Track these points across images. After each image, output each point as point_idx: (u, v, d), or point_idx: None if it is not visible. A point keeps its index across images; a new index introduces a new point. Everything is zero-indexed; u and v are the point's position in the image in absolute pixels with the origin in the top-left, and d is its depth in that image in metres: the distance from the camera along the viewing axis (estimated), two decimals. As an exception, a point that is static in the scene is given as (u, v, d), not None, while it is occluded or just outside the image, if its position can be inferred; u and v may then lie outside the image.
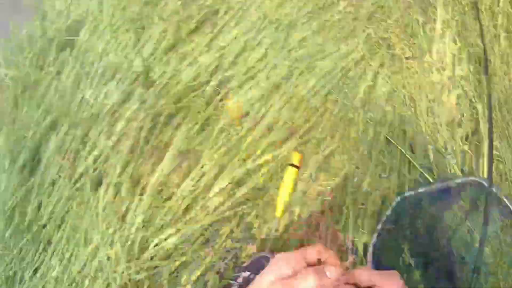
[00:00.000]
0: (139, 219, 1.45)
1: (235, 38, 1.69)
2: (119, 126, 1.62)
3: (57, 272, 1.56)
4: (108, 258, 1.42)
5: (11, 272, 1.76)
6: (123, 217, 1.48)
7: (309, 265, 0.50)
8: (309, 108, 1.55)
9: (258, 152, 1.45)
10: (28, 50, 2.02)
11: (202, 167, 1.46)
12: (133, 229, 1.43)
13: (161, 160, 1.52)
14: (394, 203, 1.24)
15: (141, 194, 1.49)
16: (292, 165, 1.41)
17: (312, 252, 0.51)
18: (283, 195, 1.37)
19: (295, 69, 1.66)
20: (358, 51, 1.70)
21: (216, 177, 1.44)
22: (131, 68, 1.67)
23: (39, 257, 1.67)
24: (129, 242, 1.40)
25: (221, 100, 1.59)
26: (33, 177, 1.70)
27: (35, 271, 1.68)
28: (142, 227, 1.43)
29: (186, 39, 1.73)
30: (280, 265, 0.49)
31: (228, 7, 1.78)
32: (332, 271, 0.48)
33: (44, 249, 1.65)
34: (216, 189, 1.42)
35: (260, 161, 1.44)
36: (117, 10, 1.92)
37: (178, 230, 1.36)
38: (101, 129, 1.66)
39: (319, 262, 0.51)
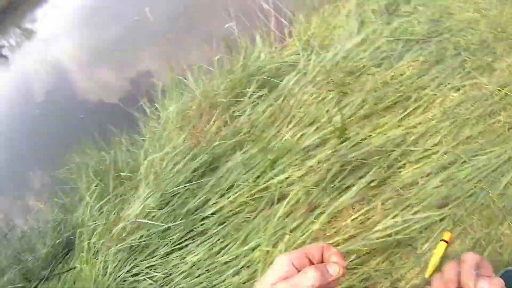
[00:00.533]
0: (305, 236, 1.83)
1: (420, 123, 2.07)
2: (310, 163, 2.05)
3: (198, 258, 2.03)
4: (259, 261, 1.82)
5: (144, 243, 2.22)
6: (291, 231, 1.86)
7: (312, 263, 0.51)
8: (463, 191, 1.82)
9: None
10: (225, 80, 2.58)
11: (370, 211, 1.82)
12: (297, 242, 1.82)
13: (339, 198, 1.91)
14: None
15: (314, 219, 1.88)
16: (443, 240, 1.69)
17: (315, 250, 0.52)
18: (434, 260, 1.64)
19: (460, 158, 1.98)
20: (507, 153, 1.96)
21: (378, 222, 1.77)
22: (331, 122, 2.12)
23: (184, 241, 2.17)
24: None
25: (399, 168, 1.96)
26: (205, 178, 2.23)
27: (172, 251, 2.16)
28: (304, 242, 1.81)
29: (380, 113, 2.15)
30: (281, 264, 0.49)
31: (418, 96, 2.17)
32: (336, 269, 0.48)
33: (193, 237, 2.15)
34: (377, 233, 1.74)
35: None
36: (321, 72, 2.42)
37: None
38: (292, 161, 2.10)
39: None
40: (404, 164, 1.96)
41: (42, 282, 2.81)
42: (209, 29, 4.46)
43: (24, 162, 5.78)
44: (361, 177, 1.93)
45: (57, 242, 2.95)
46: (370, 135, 2.06)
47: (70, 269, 2.71)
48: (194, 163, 2.30)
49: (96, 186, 2.85)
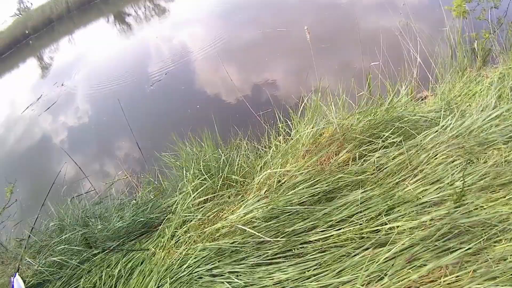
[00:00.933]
0: (399, 284, 2.06)
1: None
2: (424, 218, 2.30)
3: (287, 277, 2.14)
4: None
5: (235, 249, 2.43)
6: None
7: None
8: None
9: None
10: (365, 117, 2.90)
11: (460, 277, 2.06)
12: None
13: (440, 257, 2.20)
14: None
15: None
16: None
17: None
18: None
19: None
20: None
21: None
22: (452, 185, 2.40)
23: (278, 257, 2.32)
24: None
25: (495, 242, 2.19)
26: (319, 205, 2.46)
27: (262, 263, 2.26)
28: None
29: (496, 188, 2.36)
30: None
31: None
32: None
33: (288, 256, 2.31)
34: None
35: None
36: (456, 137, 2.69)
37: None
38: (408, 213, 2.38)
39: None
40: (500, 240, 2.13)
41: (104, 251, 2.84)
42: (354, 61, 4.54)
43: (124, 134, 5.75)
44: (462, 243, 2.16)
45: (137, 220, 2.98)
46: (482, 206, 2.30)
47: (142, 249, 2.74)
48: (313, 188, 2.55)
49: (202, 180, 2.91)
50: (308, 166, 2.69)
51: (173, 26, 11.89)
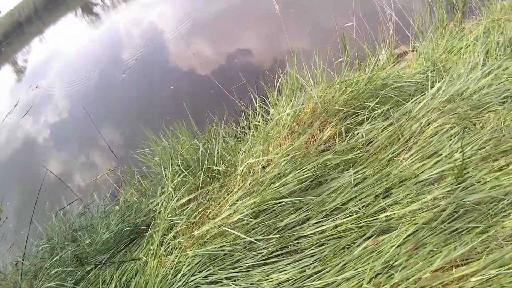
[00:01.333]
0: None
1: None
2: (425, 198, 2.10)
3: (287, 277, 1.99)
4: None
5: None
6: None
7: None
8: None
9: None
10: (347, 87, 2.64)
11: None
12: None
13: (449, 241, 2.00)
14: None
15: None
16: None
17: None
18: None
19: None
20: None
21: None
22: (451, 157, 2.19)
23: (274, 256, 2.14)
24: None
25: (502, 217, 2.01)
26: (310, 192, 2.26)
27: (257, 265, 2.08)
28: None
29: (497, 155, 2.18)
30: None
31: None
32: None
33: (284, 254, 2.14)
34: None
35: None
36: (448, 102, 2.46)
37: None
38: (407, 194, 2.17)
39: None
40: (509, 213, 1.97)
41: (97, 267, 2.69)
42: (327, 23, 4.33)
43: (99, 128, 5.49)
44: (470, 222, 1.98)
45: (123, 227, 2.79)
46: (485, 178, 2.10)
47: (133, 259, 2.59)
48: (301, 174, 2.31)
49: (183, 177, 2.69)
50: (292, 150, 2.39)
51: (141, 9, 11.68)
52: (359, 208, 2.14)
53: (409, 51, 3.39)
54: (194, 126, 3.24)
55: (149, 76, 6.68)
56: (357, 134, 2.49)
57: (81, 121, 6.39)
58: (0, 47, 16.95)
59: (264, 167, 2.49)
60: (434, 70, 2.80)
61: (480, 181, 2.13)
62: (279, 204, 2.25)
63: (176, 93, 5.64)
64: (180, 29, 7.94)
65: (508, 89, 2.49)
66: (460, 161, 2.15)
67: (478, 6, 3.60)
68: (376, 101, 2.55)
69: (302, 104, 2.71)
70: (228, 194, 2.49)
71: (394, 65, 3.05)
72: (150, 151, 3.29)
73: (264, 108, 3.26)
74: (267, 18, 5.98)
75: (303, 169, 2.36)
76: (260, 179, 2.38)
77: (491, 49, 2.83)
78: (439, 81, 2.63)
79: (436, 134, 2.32)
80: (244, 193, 2.38)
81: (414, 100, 2.53)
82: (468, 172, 2.15)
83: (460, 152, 2.18)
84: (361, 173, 2.29)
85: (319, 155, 2.45)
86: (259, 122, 3.12)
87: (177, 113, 3.39)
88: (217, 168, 2.67)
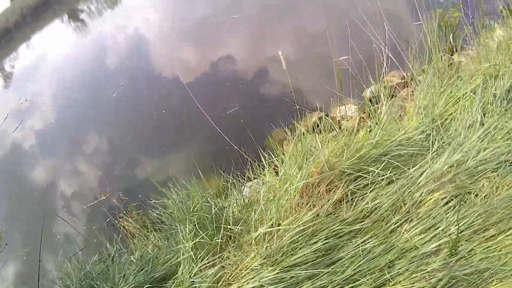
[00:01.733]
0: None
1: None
2: (424, 270, 2.40)
3: None
4: None
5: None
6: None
7: None
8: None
9: None
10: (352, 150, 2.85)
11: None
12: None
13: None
14: None
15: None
16: None
17: None
18: None
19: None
20: None
21: None
22: (447, 230, 2.47)
23: None
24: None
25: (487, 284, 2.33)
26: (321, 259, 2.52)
27: None
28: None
29: (488, 227, 2.47)
30: None
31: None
32: None
33: None
34: None
35: None
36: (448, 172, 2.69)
37: None
38: (410, 266, 2.45)
39: None
40: (492, 281, 2.25)
41: None
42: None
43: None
44: None
45: (141, 280, 2.78)
46: (474, 251, 2.37)
47: None
48: (314, 241, 2.55)
49: (200, 239, 2.78)
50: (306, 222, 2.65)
51: (126, 16, 11.92)
52: (367, 280, 2.42)
53: (402, 82, 3.52)
54: (204, 181, 3.36)
55: (141, 98, 6.92)
56: (361, 199, 2.74)
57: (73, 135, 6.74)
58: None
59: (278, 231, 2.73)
60: (433, 128, 2.99)
61: (471, 252, 2.42)
62: (295, 274, 2.49)
63: (168, 117, 5.99)
64: (168, 38, 8.29)
65: (503, 154, 2.71)
66: (455, 235, 2.43)
67: (471, 36, 3.69)
68: (380, 168, 2.75)
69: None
70: (246, 256, 2.70)
71: (395, 121, 3.21)
72: (160, 202, 3.35)
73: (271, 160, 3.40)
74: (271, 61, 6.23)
75: (315, 236, 2.60)
76: (275, 247, 2.61)
77: (487, 103, 2.99)
78: (438, 141, 2.85)
79: (434, 208, 2.57)
80: (262, 259, 2.58)
81: (416, 167, 2.76)
82: (461, 245, 2.44)
83: (456, 226, 2.44)
84: (367, 243, 2.56)
85: (328, 216, 2.71)
86: (265, 175, 3.31)
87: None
88: (232, 227, 2.84)
